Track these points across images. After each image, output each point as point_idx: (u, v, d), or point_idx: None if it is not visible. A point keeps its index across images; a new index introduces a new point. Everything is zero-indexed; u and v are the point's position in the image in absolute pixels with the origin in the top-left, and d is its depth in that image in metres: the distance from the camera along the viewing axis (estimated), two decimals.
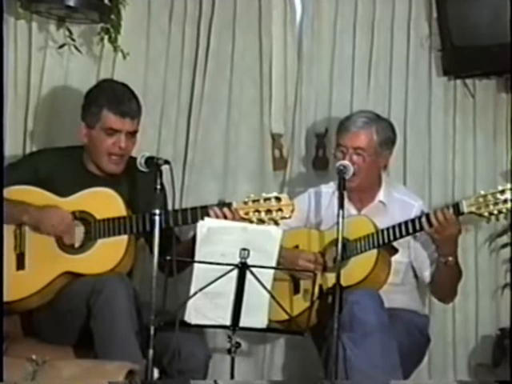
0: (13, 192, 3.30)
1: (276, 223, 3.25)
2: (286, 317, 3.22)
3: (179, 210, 3.31)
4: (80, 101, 3.50)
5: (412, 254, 3.59)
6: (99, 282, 3.18)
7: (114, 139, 3.40)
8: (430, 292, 3.71)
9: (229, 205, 3.27)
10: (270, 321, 3.16)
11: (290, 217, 3.27)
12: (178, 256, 3.05)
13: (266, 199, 3.26)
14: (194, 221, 3.22)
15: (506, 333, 4.02)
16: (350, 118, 3.62)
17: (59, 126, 3.95)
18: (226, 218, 3.23)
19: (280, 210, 3.24)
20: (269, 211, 3.24)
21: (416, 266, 3.61)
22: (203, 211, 3.27)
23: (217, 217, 3.23)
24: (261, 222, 3.23)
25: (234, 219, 3.23)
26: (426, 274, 3.57)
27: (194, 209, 3.30)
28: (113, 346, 3.12)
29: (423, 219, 3.36)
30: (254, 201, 3.26)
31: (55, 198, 3.37)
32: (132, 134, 3.43)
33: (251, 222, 3.23)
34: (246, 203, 3.27)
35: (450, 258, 3.42)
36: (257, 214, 3.25)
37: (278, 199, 3.25)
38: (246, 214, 3.25)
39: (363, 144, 3.53)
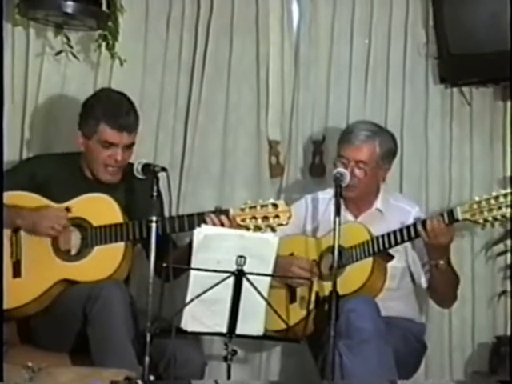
0: (9, 197, 3.29)
1: (273, 230, 3.24)
2: (283, 326, 3.21)
3: (176, 217, 3.32)
4: (77, 107, 3.51)
5: (410, 259, 3.59)
6: (96, 288, 3.17)
7: (111, 152, 3.39)
8: (429, 297, 3.72)
9: (226, 212, 3.27)
10: (266, 330, 3.15)
11: (287, 223, 3.26)
12: (175, 262, 3.05)
13: (262, 206, 3.25)
14: (191, 228, 3.21)
15: (502, 340, 4.02)
16: (353, 130, 3.59)
17: (56, 132, 3.94)
18: (222, 225, 3.23)
19: (277, 216, 3.24)
20: (266, 218, 3.24)
21: (414, 271, 3.61)
22: (200, 218, 3.27)
23: (214, 224, 3.22)
24: (258, 228, 3.23)
25: (230, 226, 3.22)
26: (424, 279, 3.58)
27: (190, 216, 3.30)
28: (109, 353, 3.12)
29: (418, 226, 3.37)
30: (250, 207, 3.26)
31: (52, 203, 3.36)
32: (129, 147, 3.43)
33: (248, 228, 3.23)
34: (242, 210, 3.26)
35: (441, 262, 3.43)
36: (254, 220, 3.24)
37: (275, 206, 3.25)
38: (243, 220, 3.25)
39: (365, 158, 3.53)
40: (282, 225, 3.25)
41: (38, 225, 3.30)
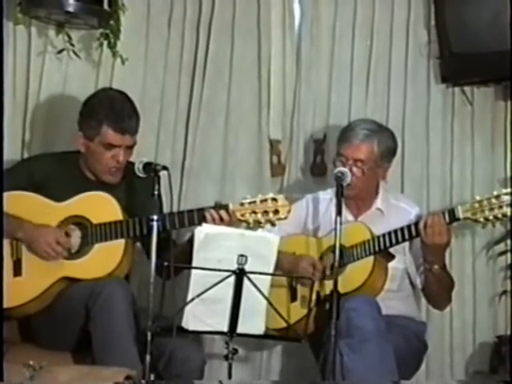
0: (9, 197, 3.25)
1: (273, 224, 3.24)
2: (283, 325, 3.21)
3: (176, 213, 3.31)
4: (78, 106, 3.50)
5: (407, 261, 3.59)
6: (98, 285, 3.18)
7: (113, 153, 3.39)
8: (424, 298, 3.71)
9: (225, 207, 3.26)
10: (267, 329, 3.16)
11: (286, 217, 3.25)
12: (175, 258, 3.05)
13: (262, 200, 3.24)
14: (191, 223, 3.23)
15: (503, 340, 4.02)
16: (353, 128, 3.59)
17: (58, 131, 3.94)
18: (222, 220, 3.22)
19: (276, 211, 3.23)
20: (265, 212, 3.23)
21: (411, 272, 3.61)
22: (200, 214, 3.26)
23: (213, 219, 3.22)
24: (257, 223, 3.23)
25: (230, 221, 3.22)
26: (419, 281, 3.58)
27: (190, 211, 3.29)
28: (111, 349, 3.12)
29: (419, 225, 3.36)
30: (250, 202, 3.25)
31: (51, 202, 3.37)
32: (130, 147, 3.43)
33: (248, 223, 3.23)
34: (242, 205, 3.26)
35: (436, 266, 3.43)
36: (253, 215, 3.23)
37: (274, 200, 3.24)
38: (243, 215, 3.24)
39: (363, 156, 3.53)
40: (281, 219, 3.24)
41: (34, 243, 3.29)
